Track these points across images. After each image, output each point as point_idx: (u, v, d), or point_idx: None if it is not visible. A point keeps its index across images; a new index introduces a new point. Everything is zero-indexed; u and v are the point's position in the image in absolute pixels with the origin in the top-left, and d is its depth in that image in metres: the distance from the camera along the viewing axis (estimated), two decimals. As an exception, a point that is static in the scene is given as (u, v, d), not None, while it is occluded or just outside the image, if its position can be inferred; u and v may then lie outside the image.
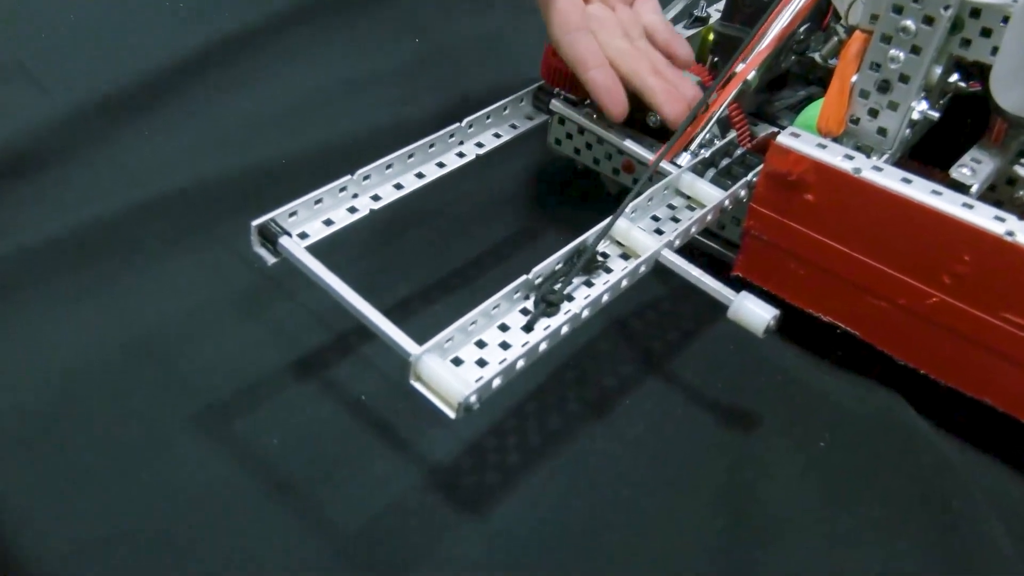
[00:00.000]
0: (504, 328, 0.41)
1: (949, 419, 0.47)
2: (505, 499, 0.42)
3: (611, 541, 0.41)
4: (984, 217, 0.43)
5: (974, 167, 0.46)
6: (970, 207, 0.43)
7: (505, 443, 0.45)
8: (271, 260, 0.43)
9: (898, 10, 0.44)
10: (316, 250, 0.42)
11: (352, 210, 0.45)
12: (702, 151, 0.51)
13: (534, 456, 0.44)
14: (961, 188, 0.46)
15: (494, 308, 0.41)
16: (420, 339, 0.37)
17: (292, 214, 0.43)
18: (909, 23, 0.43)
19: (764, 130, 0.58)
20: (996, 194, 0.52)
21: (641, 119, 0.56)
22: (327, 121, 0.64)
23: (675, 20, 0.63)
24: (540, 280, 0.43)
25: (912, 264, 0.45)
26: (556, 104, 0.54)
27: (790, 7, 0.50)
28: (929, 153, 0.52)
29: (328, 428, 0.45)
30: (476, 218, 0.57)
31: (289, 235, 0.43)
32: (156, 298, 0.50)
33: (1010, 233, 0.42)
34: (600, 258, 0.45)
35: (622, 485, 0.44)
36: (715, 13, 0.64)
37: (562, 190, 0.61)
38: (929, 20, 0.43)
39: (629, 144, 0.52)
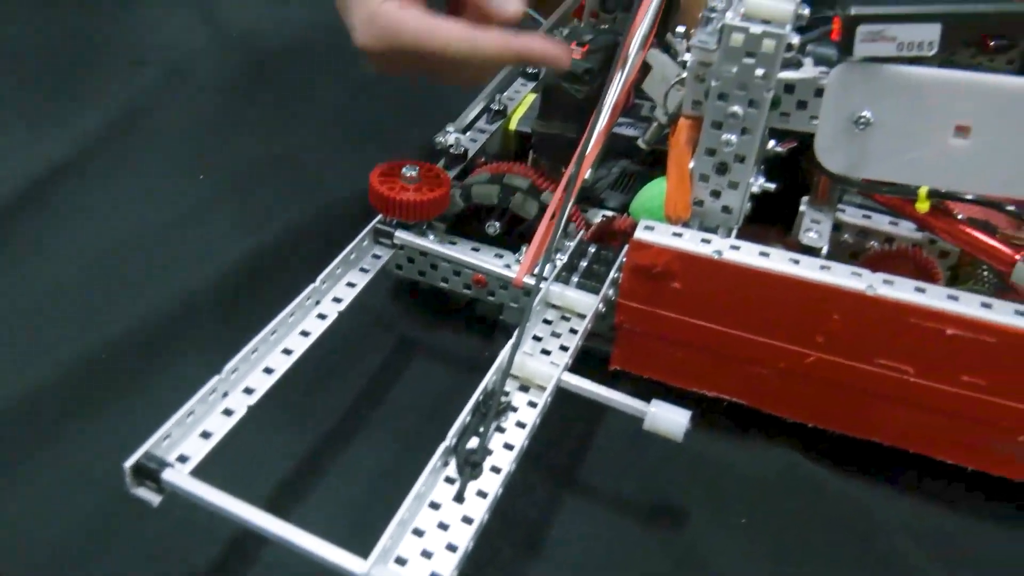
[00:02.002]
0: (435, 506, 0.38)
1: (845, 460, 0.50)
2: None
3: None
4: (843, 277, 0.45)
5: (818, 229, 0.49)
6: (828, 268, 0.46)
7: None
8: (156, 500, 0.37)
9: (724, 97, 0.46)
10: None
11: (228, 412, 0.41)
12: (558, 256, 0.51)
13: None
14: (812, 251, 0.48)
15: (421, 488, 0.38)
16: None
17: (166, 437, 0.38)
18: (737, 109, 0.45)
19: (595, 215, 0.59)
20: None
21: (479, 228, 0.55)
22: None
23: (476, 118, 0.63)
24: (455, 441, 0.40)
25: (786, 330, 0.47)
26: (403, 237, 0.52)
27: (609, 100, 0.51)
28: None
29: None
30: (333, 367, 0.53)
31: (170, 465, 0.37)
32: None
33: (870, 287, 0.45)
34: (503, 398, 0.43)
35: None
36: (509, 103, 0.65)
37: (406, 314, 0.58)
38: (754, 103, 0.45)
39: (487, 266, 0.51)
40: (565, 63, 0.47)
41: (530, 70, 0.68)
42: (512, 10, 0.48)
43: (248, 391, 0.42)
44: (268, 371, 0.43)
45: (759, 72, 0.44)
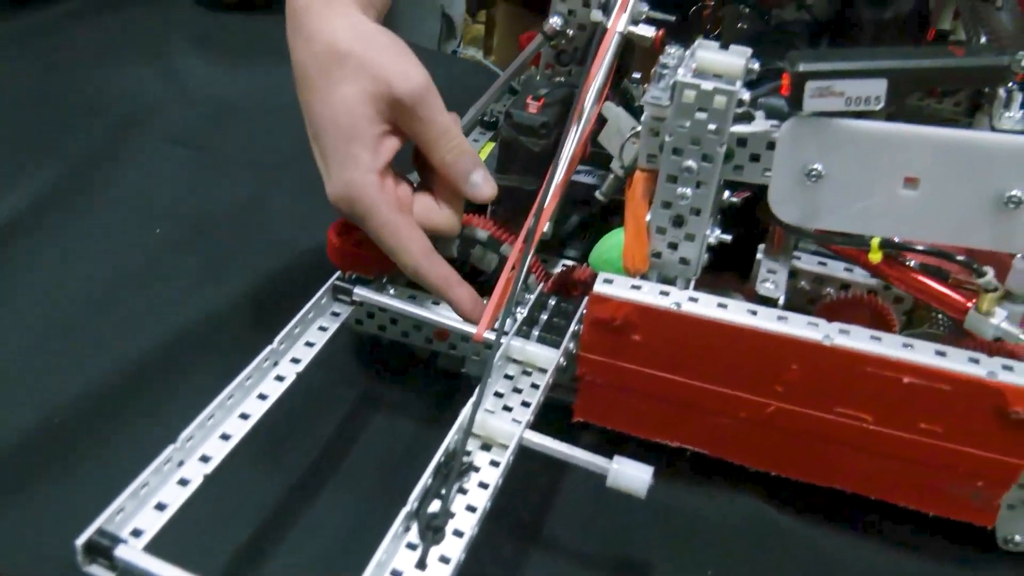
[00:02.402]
0: (397, 574, 0.38)
1: (810, 506, 0.50)
2: None
3: None
4: (800, 327, 0.46)
5: (774, 279, 0.50)
6: (785, 319, 0.46)
7: None
8: (110, 577, 0.36)
9: (678, 152, 0.46)
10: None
11: (183, 482, 0.40)
12: (519, 309, 0.51)
13: None
14: (769, 301, 0.49)
15: (383, 556, 0.37)
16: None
17: (119, 511, 0.37)
18: (691, 163, 0.46)
19: (555, 264, 0.59)
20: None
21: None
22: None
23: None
24: (417, 505, 0.40)
25: (746, 380, 0.47)
26: (362, 293, 0.51)
27: (566, 152, 0.51)
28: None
29: None
30: (292, 427, 0.52)
31: (123, 541, 0.37)
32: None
33: (827, 337, 0.45)
34: (464, 458, 0.43)
35: None
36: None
37: (368, 368, 0.58)
38: (708, 157, 0.46)
39: (448, 321, 0.51)
40: (478, 337, 0.49)
41: (486, 119, 0.68)
42: (488, 196, 0.51)
43: (204, 459, 0.41)
44: (225, 437, 0.42)
45: (711, 127, 0.45)
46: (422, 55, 0.50)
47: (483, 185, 0.50)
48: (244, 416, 0.44)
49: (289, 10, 0.51)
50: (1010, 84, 0.45)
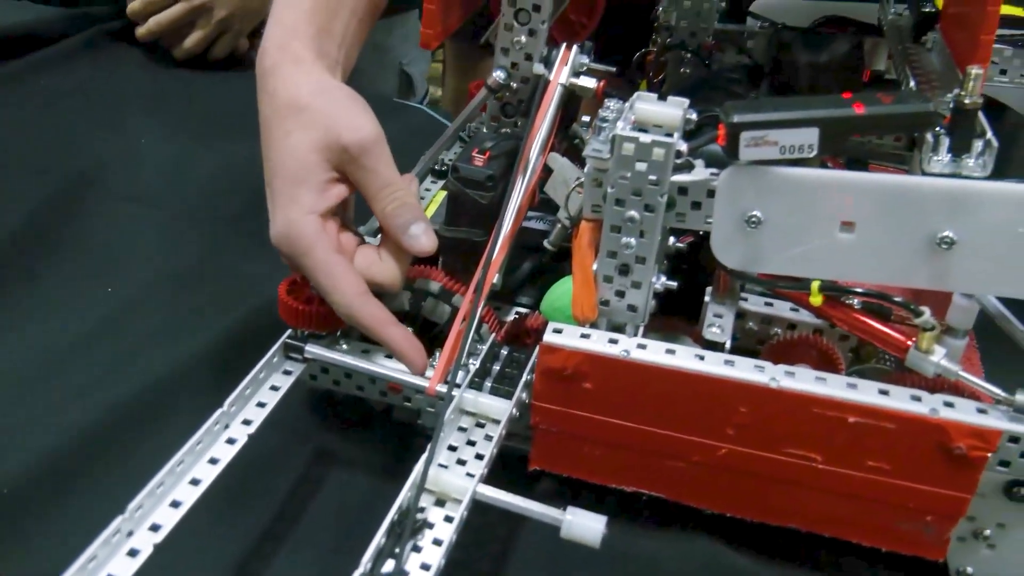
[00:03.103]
0: (351, 638, 0.37)
1: (766, 547, 0.50)
2: None
3: None
4: (746, 371, 0.46)
5: (720, 324, 0.50)
6: (731, 363, 0.47)
7: None
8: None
9: (621, 203, 0.47)
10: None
11: (133, 553, 0.39)
12: (471, 361, 0.51)
13: None
14: (716, 345, 0.49)
15: (336, 620, 0.37)
16: None
17: (65, 589, 0.37)
18: (634, 213, 0.47)
19: (508, 312, 0.59)
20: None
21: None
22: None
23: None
24: (370, 566, 0.40)
25: (697, 424, 0.48)
26: (314, 351, 0.51)
27: (512, 204, 0.52)
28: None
29: None
30: (245, 487, 0.52)
31: (69, 618, 0.36)
32: None
33: (773, 379, 0.46)
34: (418, 514, 0.43)
35: None
36: (421, 201, 0.65)
37: (323, 423, 0.58)
38: (650, 207, 0.47)
39: (400, 376, 0.51)
40: (419, 371, 0.50)
41: (438, 167, 0.69)
42: (427, 248, 0.51)
43: (154, 528, 0.41)
44: (175, 504, 0.42)
45: (651, 178, 0.46)
46: (379, 103, 0.51)
47: (422, 237, 0.51)
48: (195, 482, 0.43)
49: (259, 70, 0.53)
50: (937, 128, 0.46)
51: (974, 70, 0.45)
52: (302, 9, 0.54)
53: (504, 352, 0.52)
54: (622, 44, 0.74)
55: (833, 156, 0.58)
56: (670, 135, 0.46)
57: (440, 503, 0.44)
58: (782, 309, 0.55)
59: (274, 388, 0.50)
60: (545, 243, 0.55)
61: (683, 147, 0.45)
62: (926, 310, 0.45)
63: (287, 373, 0.51)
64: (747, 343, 0.55)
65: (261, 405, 0.48)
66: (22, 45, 0.95)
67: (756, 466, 0.48)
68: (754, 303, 0.55)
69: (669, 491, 0.50)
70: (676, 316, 0.55)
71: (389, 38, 1.14)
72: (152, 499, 0.41)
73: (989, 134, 0.46)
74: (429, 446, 0.44)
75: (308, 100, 0.51)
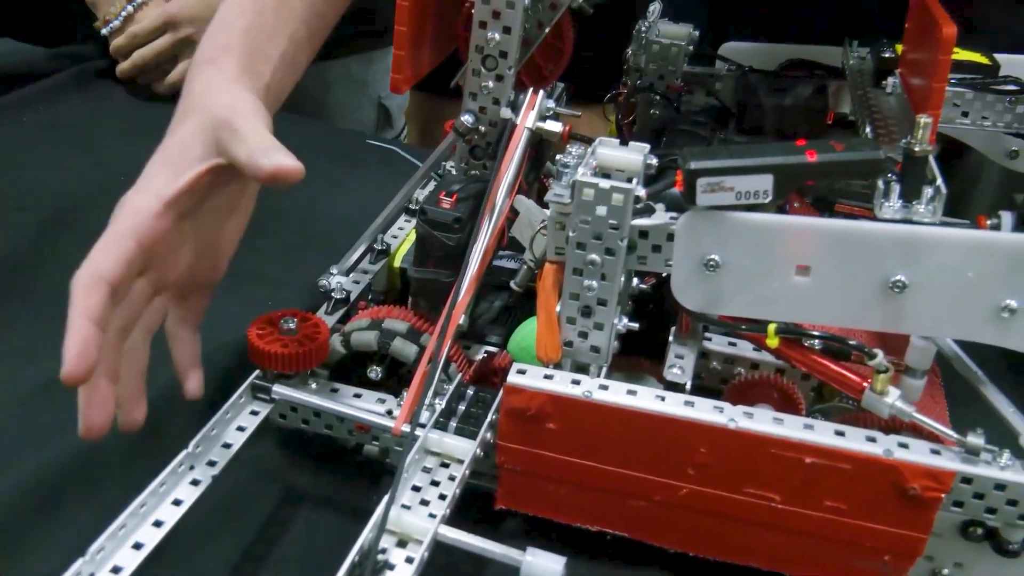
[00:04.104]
0: None
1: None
2: None
3: None
4: (706, 411, 0.47)
5: (681, 364, 0.51)
6: (691, 404, 0.48)
7: None
8: None
9: (582, 247, 0.48)
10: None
11: (94, 597, 0.40)
12: (437, 401, 0.52)
13: None
14: (677, 386, 0.50)
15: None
16: None
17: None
18: (595, 256, 0.48)
19: (477, 351, 0.60)
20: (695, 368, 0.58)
21: (363, 372, 0.56)
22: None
23: (359, 259, 0.64)
24: (330, 609, 0.40)
25: (658, 464, 0.48)
26: (281, 391, 0.52)
27: (479, 246, 0.53)
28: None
29: None
30: (211, 528, 0.52)
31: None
32: None
33: (732, 420, 0.47)
34: (379, 555, 0.43)
35: None
36: (393, 241, 0.66)
37: (292, 461, 0.58)
38: (610, 251, 0.48)
39: (366, 416, 0.51)
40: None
41: (411, 206, 0.70)
42: (289, 166, 0.47)
43: (116, 570, 0.41)
44: (137, 547, 0.42)
45: (612, 223, 0.47)
46: (355, 137, 0.52)
47: (283, 157, 0.47)
48: (158, 524, 0.44)
49: (186, 78, 0.54)
50: (888, 175, 0.47)
51: (923, 119, 0.47)
52: (237, 28, 0.55)
53: (470, 392, 0.53)
54: (598, 76, 0.76)
55: (800, 195, 0.59)
56: (631, 180, 0.47)
57: (402, 544, 0.44)
58: (745, 349, 0.55)
59: (240, 428, 0.50)
60: (512, 284, 0.56)
61: (642, 192, 0.46)
62: (879, 352, 0.46)
63: (254, 413, 0.51)
64: (711, 382, 0.56)
65: (227, 446, 0.49)
66: (4, 83, 0.96)
67: (716, 505, 0.48)
68: (718, 343, 0.56)
69: (633, 530, 0.51)
70: (641, 356, 0.56)
71: (368, 72, 1.15)
72: (113, 541, 0.42)
73: (939, 181, 0.47)
74: (391, 487, 0.44)
75: (213, 97, 0.51)
